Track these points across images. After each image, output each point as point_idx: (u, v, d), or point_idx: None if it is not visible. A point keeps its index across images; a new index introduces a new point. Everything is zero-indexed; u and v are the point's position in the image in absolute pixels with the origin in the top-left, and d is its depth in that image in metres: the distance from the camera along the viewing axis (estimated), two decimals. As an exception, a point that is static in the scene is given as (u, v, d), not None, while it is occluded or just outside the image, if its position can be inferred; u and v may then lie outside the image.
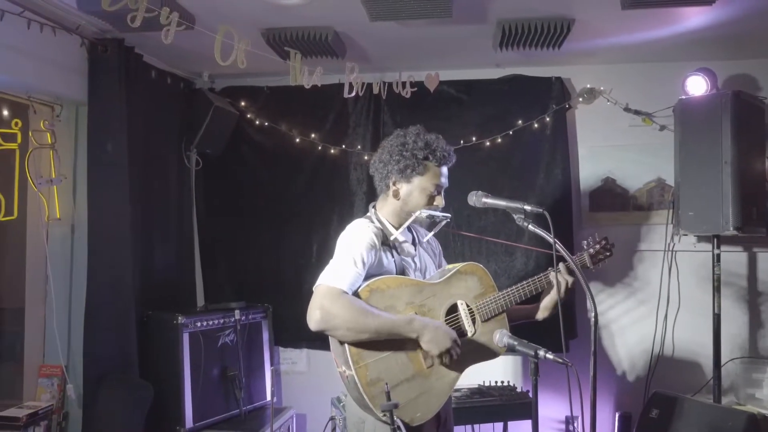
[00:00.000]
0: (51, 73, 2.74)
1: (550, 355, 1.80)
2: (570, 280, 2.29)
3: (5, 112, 2.84)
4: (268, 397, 3.50)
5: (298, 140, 3.76)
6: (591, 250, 2.44)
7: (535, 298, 2.38)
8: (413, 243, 2.33)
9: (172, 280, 3.60)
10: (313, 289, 2.04)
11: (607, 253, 2.48)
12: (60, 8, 2.62)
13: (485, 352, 2.24)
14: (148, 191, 3.35)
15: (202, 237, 3.91)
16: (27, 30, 2.53)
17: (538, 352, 1.81)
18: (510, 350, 1.97)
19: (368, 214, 2.30)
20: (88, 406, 2.86)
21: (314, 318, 1.97)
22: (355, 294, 2.04)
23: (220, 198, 3.89)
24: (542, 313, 2.37)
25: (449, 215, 2.27)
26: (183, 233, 3.75)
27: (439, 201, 2.24)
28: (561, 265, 2.28)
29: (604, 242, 2.47)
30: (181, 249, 3.72)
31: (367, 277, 2.09)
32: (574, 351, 3.33)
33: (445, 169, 2.26)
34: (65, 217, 2.98)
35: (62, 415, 2.93)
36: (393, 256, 2.19)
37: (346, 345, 2.01)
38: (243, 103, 3.81)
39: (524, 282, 2.32)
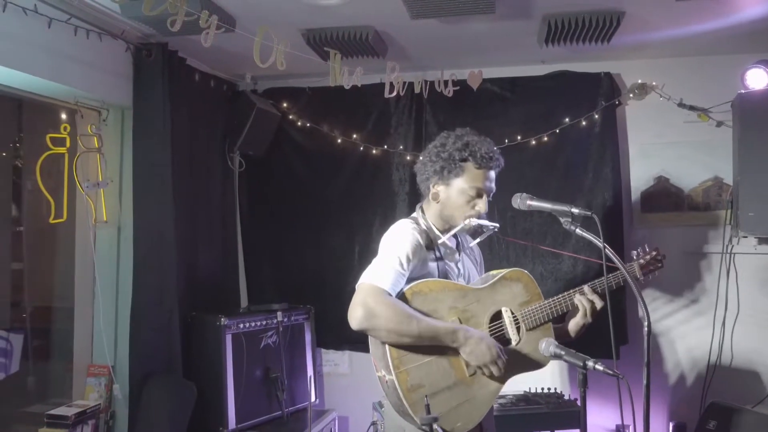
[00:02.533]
0: (97, 79, 2.77)
1: (599, 366, 1.71)
2: (598, 302, 2.19)
3: (54, 117, 2.90)
4: (311, 399, 3.49)
5: (339, 141, 3.73)
6: (641, 261, 2.37)
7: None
8: (457, 248, 2.27)
9: (216, 282, 3.62)
10: (356, 287, 2.00)
11: (659, 264, 2.40)
12: (105, 14, 2.66)
13: (529, 363, 2.16)
14: (192, 193, 3.37)
15: (245, 238, 3.93)
16: (74, 36, 2.57)
17: (586, 362, 1.73)
18: (556, 358, 1.89)
19: (414, 215, 2.25)
20: (133, 405, 2.89)
21: (356, 316, 1.93)
22: (399, 295, 2.00)
23: (263, 199, 3.90)
24: (572, 335, 2.27)
25: (497, 225, 2.19)
26: (227, 234, 3.77)
27: (481, 206, 2.15)
28: (585, 287, 2.22)
29: (654, 253, 2.39)
30: (225, 250, 3.74)
31: (409, 280, 2.05)
32: (624, 357, 3.15)
33: (491, 173, 2.17)
34: (112, 220, 3.02)
35: (109, 414, 2.98)
36: (437, 260, 2.14)
37: (387, 348, 1.97)
38: (285, 105, 3.80)
39: (563, 294, 2.24)
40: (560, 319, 2.27)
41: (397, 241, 2.07)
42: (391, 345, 1.97)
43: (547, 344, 1.87)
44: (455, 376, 2.04)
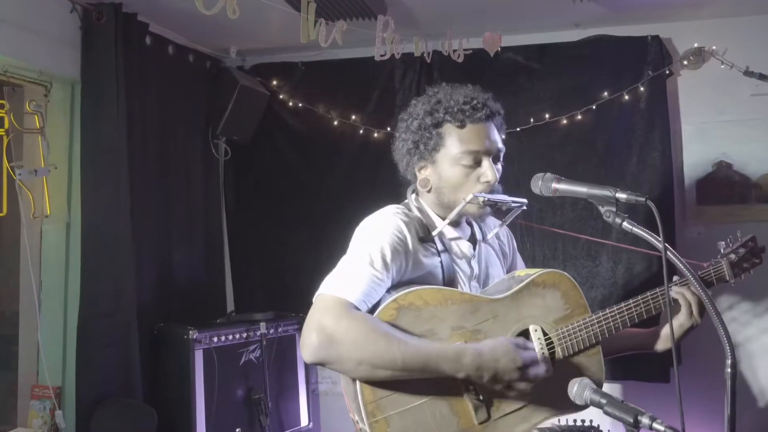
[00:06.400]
0: (33, 45, 2.36)
1: (660, 425, 1.15)
2: (697, 299, 1.64)
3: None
4: (303, 423, 3.14)
5: (336, 123, 3.31)
6: (732, 255, 1.74)
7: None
8: (472, 240, 1.71)
9: (197, 287, 3.24)
10: (313, 300, 1.48)
11: (756, 260, 1.77)
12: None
13: (568, 401, 1.57)
14: (164, 184, 3.01)
15: (231, 236, 3.53)
16: (-5, -10, 2.14)
17: (639, 418, 1.17)
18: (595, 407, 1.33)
19: (405, 201, 1.71)
20: (82, 435, 2.48)
21: (309, 343, 1.40)
22: (374, 311, 1.47)
23: (251, 191, 3.50)
24: (663, 344, 1.72)
25: (524, 200, 1.63)
26: (210, 232, 3.38)
27: (489, 174, 1.58)
28: (677, 278, 1.68)
29: (751, 243, 1.78)
30: (208, 250, 3.35)
31: (398, 288, 1.52)
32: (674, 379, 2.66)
33: (486, 128, 1.60)
34: (59, 214, 2.61)
35: (54, 446, 2.55)
36: (439, 257, 1.60)
37: (358, 385, 1.44)
38: (275, 82, 3.40)
39: (634, 300, 1.66)
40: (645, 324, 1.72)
41: (371, 232, 1.54)
42: (365, 382, 1.45)
43: (580, 387, 1.31)
44: (458, 425, 1.50)
